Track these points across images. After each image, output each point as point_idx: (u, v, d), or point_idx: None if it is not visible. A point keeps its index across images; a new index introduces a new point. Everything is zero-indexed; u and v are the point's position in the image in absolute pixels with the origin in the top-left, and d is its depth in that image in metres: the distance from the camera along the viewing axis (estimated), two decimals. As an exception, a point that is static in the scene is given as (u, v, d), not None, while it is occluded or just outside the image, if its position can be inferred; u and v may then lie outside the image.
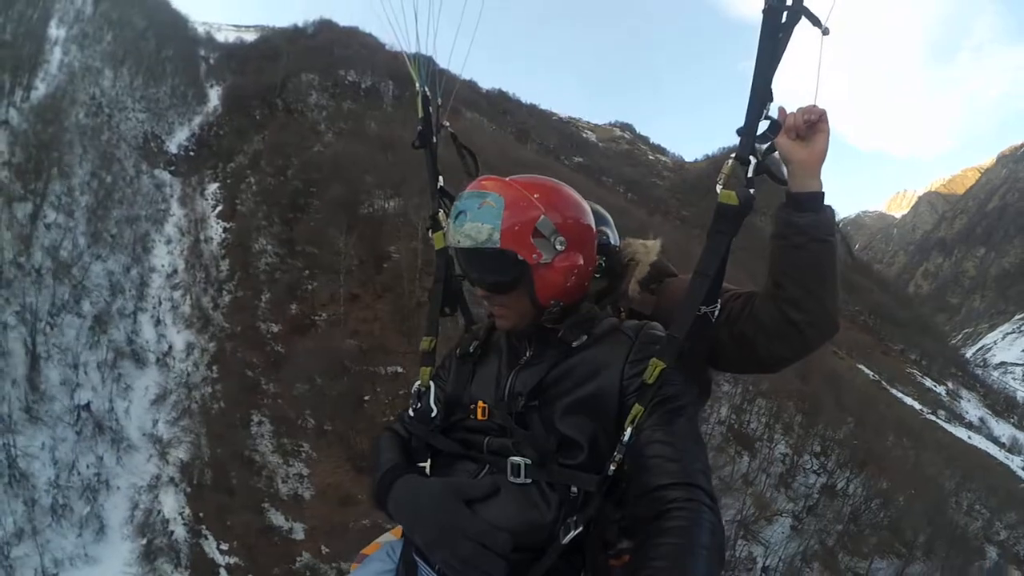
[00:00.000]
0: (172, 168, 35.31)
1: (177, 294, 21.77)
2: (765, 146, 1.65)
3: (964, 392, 63.49)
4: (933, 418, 46.37)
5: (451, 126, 2.21)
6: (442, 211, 2.11)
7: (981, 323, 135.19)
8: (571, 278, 1.73)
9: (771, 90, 1.56)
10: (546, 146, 65.51)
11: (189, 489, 16.62)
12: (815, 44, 1.60)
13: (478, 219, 1.62)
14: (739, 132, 1.59)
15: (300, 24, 66.47)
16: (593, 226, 1.81)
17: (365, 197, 26.59)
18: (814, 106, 1.63)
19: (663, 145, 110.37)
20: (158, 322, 20.66)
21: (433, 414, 1.79)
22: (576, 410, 1.59)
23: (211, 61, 59.81)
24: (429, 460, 1.77)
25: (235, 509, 16.39)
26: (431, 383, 1.87)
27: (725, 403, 22.02)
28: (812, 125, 1.63)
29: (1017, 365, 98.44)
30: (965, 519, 24.83)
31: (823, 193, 1.67)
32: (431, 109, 2.17)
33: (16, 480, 13.84)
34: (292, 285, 23.68)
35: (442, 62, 2.15)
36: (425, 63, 2.16)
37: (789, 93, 1.89)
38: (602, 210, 2.31)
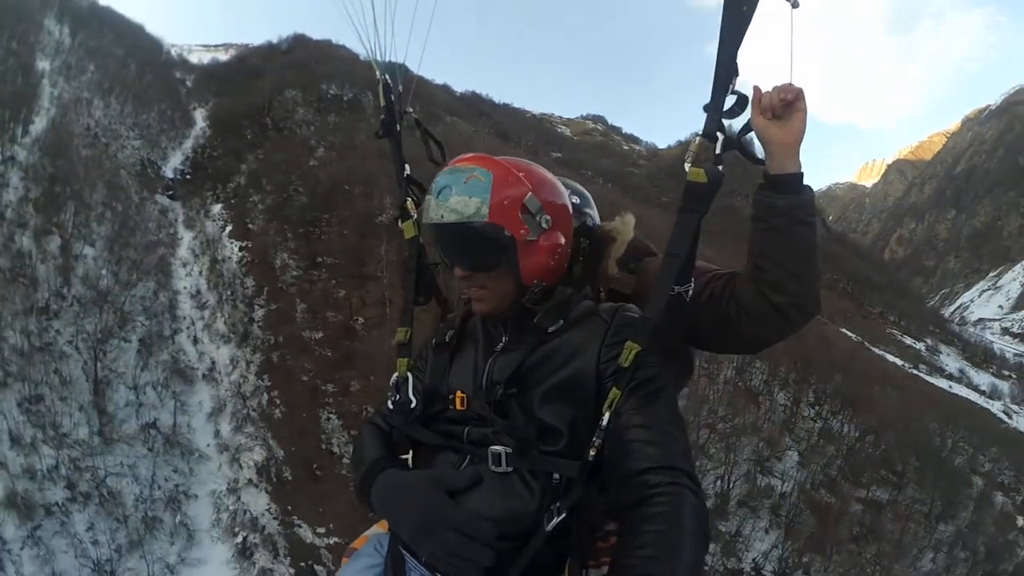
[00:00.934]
0: (171, 192, 36.18)
1: (207, 313, 22.99)
2: (741, 125, 1.64)
3: (943, 347, 65.91)
4: (915, 372, 48.55)
5: (414, 112, 2.19)
6: (410, 199, 2.09)
7: (957, 283, 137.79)
8: (554, 258, 1.73)
9: (737, 64, 1.53)
10: (525, 144, 66.54)
11: (270, 487, 17.84)
12: (786, 17, 1.57)
13: (465, 192, 1.61)
14: (705, 108, 1.56)
15: (274, 40, 66.22)
16: (571, 208, 1.83)
17: (378, 207, 28.01)
18: (790, 84, 1.61)
19: (636, 134, 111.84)
20: (196, 340, 21.81)
21: (412, 405, 1.78)
22: (554, 396, 1.59)
23: (188, 84, 60.12)
24: (411, 452, 1.79)
25: (327, 496, 17.61)
26: (408, 374, 1.85)
27: (728, 365, 23.86)
28: (788, 104, 1.62)
29: (994, 320, 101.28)
30: (951, 455, 26.90)
31: (802, 174, 1.66)
32: (392, 97, 2.15)
33: (106, 500, 14.66)
34: (325, 294, 25.16)
35: (406, 61, 2.21)
36: (384, 52, 2.12)
37: (761, 70, 1.78)
38: (583, 189, 2.32)
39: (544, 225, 1.66)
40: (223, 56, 72.57)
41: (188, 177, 42.67)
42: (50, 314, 18.85)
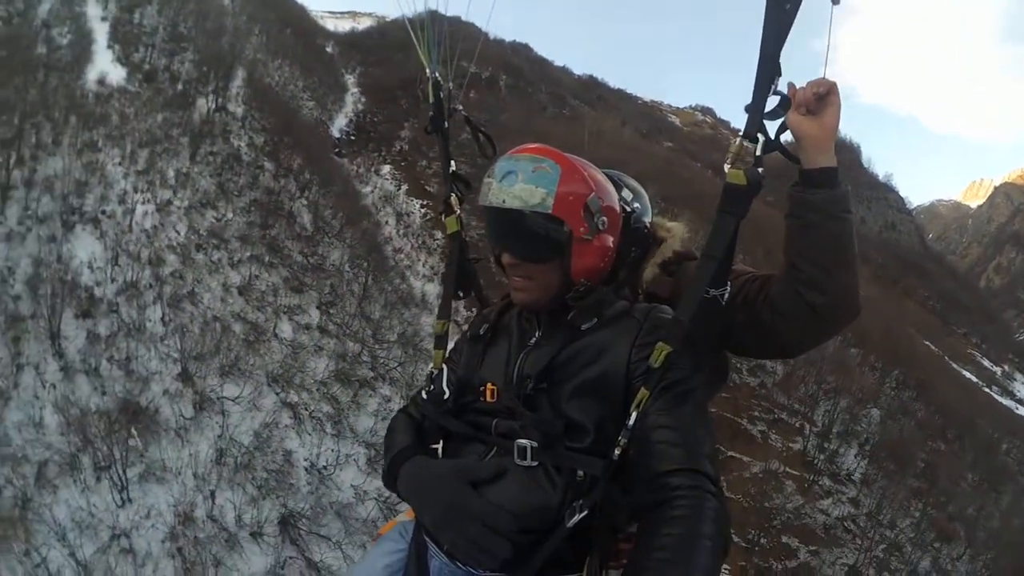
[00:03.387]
0: (338, 151, 41.16)
1: (402, 256, 27.31)
2: (777, 124, 1.65)
3: (1018, 375, 67.14)
4: (987, 390, 51.06)
5: (463, 109, 2.31)
6: (454, 195, 2.20)
7: None
8: (604, 260, 1.82)
9: (779, 64, 1.55)
10: (640, 130, 68.61)
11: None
12: (829, 15, 1.62)
13: (532, 182, 1.66)
14: (746, 109, 1.59)
15: (410, 15, 71.27)
16: (621, 214, 1.89)
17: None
18: (823, 78, 1.63)
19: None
20: (403, 276, 24.50)
21: (445, 396, 1.85)
22: (583, 393, 1.65)
23: (329, 50, 64.58)
24: (441, 442, 1.84)
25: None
26: (444, 366, 1.93)
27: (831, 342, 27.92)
28: (822, 98, 1.63)
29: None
30: (1004, 459, 30.72)
31: (836, 168, 1.68)
32: (441, 94, 2.27)
33: (396, 381, 16.03)
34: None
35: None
36: (436, 48, 2.25)
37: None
38: (641, 189, 2.38)
39: (600, 227, 1.75)
40: (354, 24, 77.33)
41: (352, 139, 47.54)
42: (314, 242, 23.09)
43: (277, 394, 9.54)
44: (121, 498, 6.05)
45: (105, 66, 31.17)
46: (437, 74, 2.24)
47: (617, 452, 1.53)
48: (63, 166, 17.58)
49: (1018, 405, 56.80)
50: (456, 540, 1.50)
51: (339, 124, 47.19)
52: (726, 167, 1.60)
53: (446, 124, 2.29)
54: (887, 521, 19.84)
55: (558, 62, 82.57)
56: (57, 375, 7.81)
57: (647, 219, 2.30)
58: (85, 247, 15.83)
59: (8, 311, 8.60)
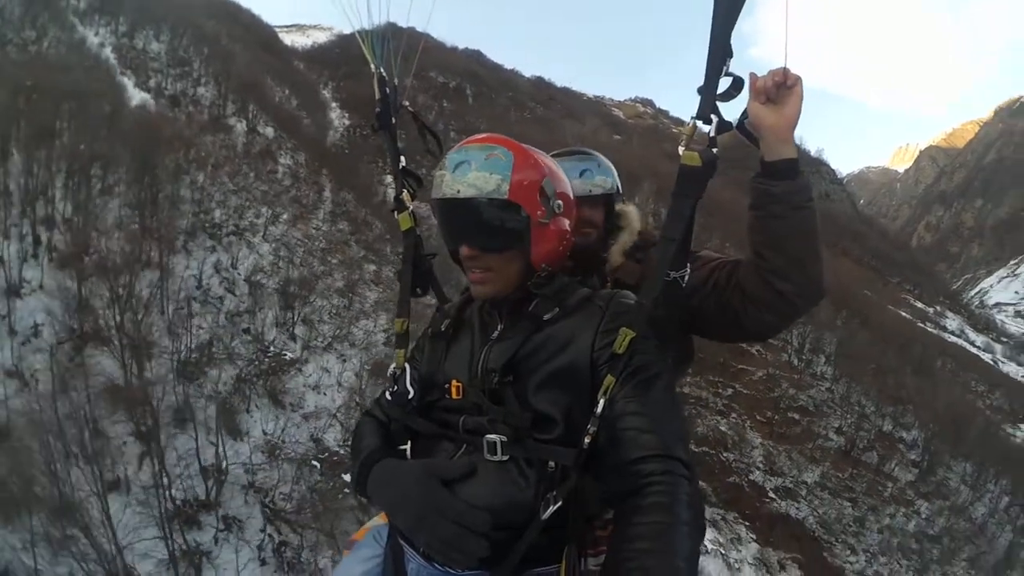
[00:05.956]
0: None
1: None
2: (730, 105, 1.59)
3: (949, 314, 75.55)
4: (921, 325, 58.84)
5: (410, 105, 2.18)
6: (406, 191, 2.08)
7: (979, 269, 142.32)
8: (562, 243, 1.74)
9: (730, 46, 1.51)
10: (591, 126, 72.20)
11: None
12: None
13: (486, 169, 1.60)
14: (699, 91, 1.54)
15: (368, 27, 73.20)
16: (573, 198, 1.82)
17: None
18: (785, 68, 1.59)
19: (683, 117, 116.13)
20: None
21: (410, 396, 1.76)
22: (549, 384, 1.58)
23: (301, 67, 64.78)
24: (409, 443, 1.75)
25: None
26: (406, 365, 1.83)
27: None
28: (784, 88, 1.60)
29: (1009, 304, 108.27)
30: (940, 370, 38.96)
31: (797, 159, 1.66)
32: (388, 90, 2.15)
33: None
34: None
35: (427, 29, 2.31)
36: (380, 42, 2.14)
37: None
38: (606, 161, 2.36)
39: (556, 210, 1.68)
40: (304, 38, 78.83)
41: (346, 152, 50.51)
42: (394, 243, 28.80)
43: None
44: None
45: (130, 91, 34.39)
46: (382, 70, 2.12)
47: (587, 441, 1.47)
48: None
49: (950, 336, 65.06)
50: (432, 541, 1.44)
51: (332, 139, 51.03)
52: (680, 149, 1.57)
53: (393, 120, 2.15)
54: (855, 401, 28.16)
55: (507, 65, 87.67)
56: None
57: (618, 186, 2.34)
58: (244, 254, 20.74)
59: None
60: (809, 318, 30.52)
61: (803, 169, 1.66)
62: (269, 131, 37.25)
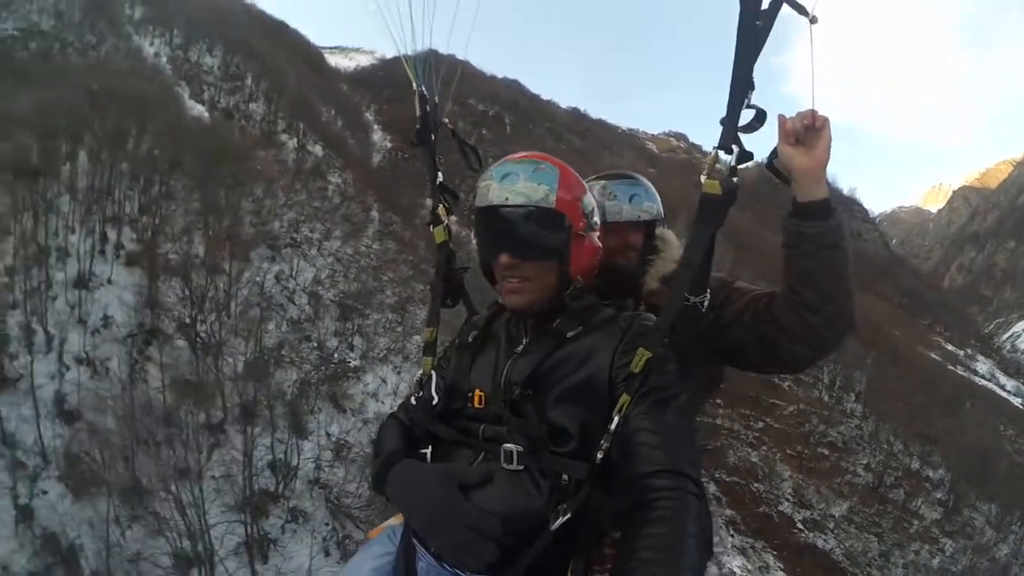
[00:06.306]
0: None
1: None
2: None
3: (980, 357, 74.87)
4: (952, 368, 58.55)
5: (450, 122, 2.24)
6: (442, 206, 2.13)
7: (1012, 313, 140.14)
8: (595, 259, 1.81)
9: (752, 79, 1.55)
10: (627, 160, 71.68)
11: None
12: (808, 33, 1.57)
13: (534, 179, 1.65)
14: (721, 122, 1.58)
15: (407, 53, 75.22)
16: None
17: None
18: (814, 111, 1.62)
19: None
20: None
21: (434, 402, 1.80)
22: (567, 399, 1.62)
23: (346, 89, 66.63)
24: (430, 447, 1.80)
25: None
26: (433, 372, 1.87)
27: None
28: (812, 131, 1.63)
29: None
30: (967, 410, 38.85)
31: (829, 199, 1.69)
32: (428, 108, 2.20)
33: None
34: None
35: (453, 51, 2.25)
36: (422, 60, 2.19)
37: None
38: (651, 186, 2.39)
39: (594, 225, 1.77)
40: (347, 60, 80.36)
41: (389, 173, 51.35)
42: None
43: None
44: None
45: (186, 102, 35.41)
46: (423, 88, 2.18)
47: (600, 456, 1.50)
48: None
49: (980, 379, 64.60)
50: (444, 543, 1.50)
51: (376, 161, 51.85)
52: (702, 178, 1.60)
53: (432, 137, 2.20)
54: (883, 439, 28.47)
55: (544, 95, 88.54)
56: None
57: (662, 215, 2.36)
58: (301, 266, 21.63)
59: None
60: (840, 355, 31.02)
61: (835, 207, 1.71)
62: (318, 149, 38.40)
